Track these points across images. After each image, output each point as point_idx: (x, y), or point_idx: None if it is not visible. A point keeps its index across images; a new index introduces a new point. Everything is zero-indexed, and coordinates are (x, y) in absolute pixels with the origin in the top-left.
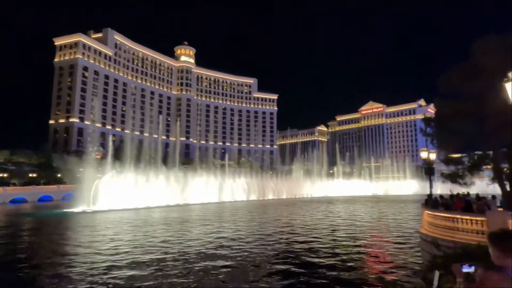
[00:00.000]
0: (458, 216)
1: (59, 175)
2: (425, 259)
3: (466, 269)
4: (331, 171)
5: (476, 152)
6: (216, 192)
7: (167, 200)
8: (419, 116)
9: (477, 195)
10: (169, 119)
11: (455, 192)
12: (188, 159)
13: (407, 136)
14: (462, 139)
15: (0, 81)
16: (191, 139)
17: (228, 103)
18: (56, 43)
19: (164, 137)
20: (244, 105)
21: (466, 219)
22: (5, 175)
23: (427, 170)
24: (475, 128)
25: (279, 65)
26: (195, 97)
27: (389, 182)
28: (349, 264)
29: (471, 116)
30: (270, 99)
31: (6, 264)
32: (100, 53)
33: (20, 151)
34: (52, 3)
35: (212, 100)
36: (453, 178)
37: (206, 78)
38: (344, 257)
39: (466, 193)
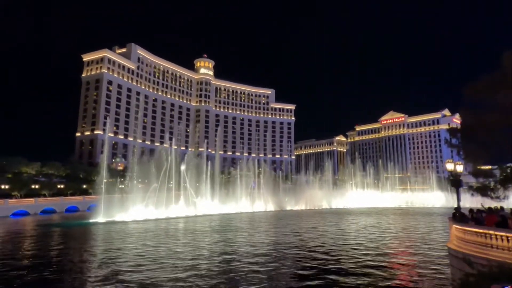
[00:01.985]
0: (492, 232)
1: (84, 186)
2: (456, 276)
3: None
4: (351, 182)
5: (509, 164)
6: (234, 203)
7: (186, 211)
8: (443, 126)
9: None
10: (188, 130)
11: (486, 206)
12: (206, 170)
13: (431, 147)
14: (491, 150)
15: (33, 95)
16: (209, 150)
17: (246, 114)
18: (84, 59)
19: (183, 148)
20: (262, 115)
21: (502, 236)
22: (37, 186)
23: (453, 182)
24: (506, 139)
25: (297, 75)
26: (214, 108)
27: (413, 194)
28: (375, 281)
29: (501, 126)
30: (287, 110)
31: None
32: (123, 67)
33: (50, 163)
34: (79, 20)
35: (230, 111)
36: (483, 191)
37: (225, 90)
38: (368, 273)
39: (499, 207)
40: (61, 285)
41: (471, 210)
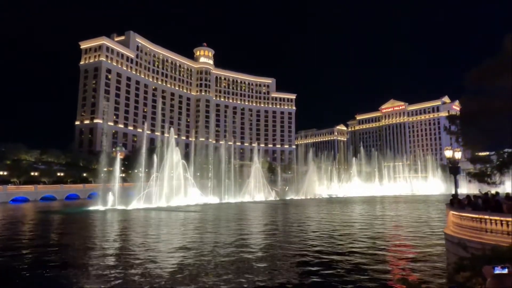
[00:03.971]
0: (487, 217)
1: (84, 174)
2: (451, 260)
3: (498, 271)
4: (351, 171)
5: (506, 150)
6: (233, 192)
7: (187, 200)
8: (443, 114)
9: (507, 194)
10: (188, 120)
11: (483, 192)
12: (206, 159)
13: (430, 135)
14: (490, 136)
15: (31, 83)
16: (210, 140)
17: (247, 103)
18: (81, 47)
19: (184, 138)
20: (262, 105)
21: (496, 220)
22: (36, 173)
23: (451, 169)
24: (505, 125)
25: (298, 64)
26: (214, 98)
27: (413, 182)
28: (372, 266)
29: (501, 112)
30: (288, 99)
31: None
32: (122, 55)
33: (49, 151)
34: (78, 7)
35: (231, 100)
36: (480, 177)
37: (225, 79)
38: (366, 259)
39: (495, 192)
40: (63, 271)
41: (468, 196)
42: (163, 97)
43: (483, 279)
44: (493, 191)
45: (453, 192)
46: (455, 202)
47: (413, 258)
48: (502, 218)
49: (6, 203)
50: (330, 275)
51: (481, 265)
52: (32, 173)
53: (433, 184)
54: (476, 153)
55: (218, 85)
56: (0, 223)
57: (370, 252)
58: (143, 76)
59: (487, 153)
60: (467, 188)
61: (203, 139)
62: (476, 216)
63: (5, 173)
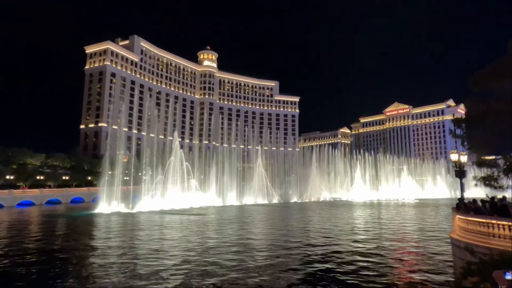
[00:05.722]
0: (494, 222)
1: (89, 178)
2: (458, 265)
3: (509, 276)
4: (355, 174)
5: None
6: (236, 196)
7: (191, 202)
8: (448, 117)
9: None
10: (192, 123)
11: (490, 196)
12: (210, 162)
13: (435, 138)
14: (496, 140)
15: (37, 88)
16: (213, 142)
17: (250, 106)
18: (86, 51)
19: (187, 141)
20: (265, 108)
21: (504, 225)
22: (42, 177)
23: (457, 173)
24: (509, 128)
25: (301, 67)
26: (218, 101)
27: (418, 186)
28: (378, 269)
29: (506, 115)
30: (291, 102)
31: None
32: (127, 59)
33: (55, 155)
34: (83, 12)
35: (234, 103)
36: (487, 181)
37: (228, 82)
38: (373, 263)
39: (502, 197)
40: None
41: (474, 200)
42: (167, 101)
43: (492, 284)
44: (500, 195)
45: (459, 196)
46: (462, 206)
47: (419, 262)
48: (510, 223)
49: (12, 207)
50: (336, 281)
51: (489, 271)
52: (38, 177)
53: (438, 188)
54: (482, 157)
55: (222, 88)
56: (6, 227)
57: (375, 256)
58: (147, 80)
59: (494, 156)
60: (473, 192)
61: (207, 142)
62: (483, 220)
63: (12, 177)
